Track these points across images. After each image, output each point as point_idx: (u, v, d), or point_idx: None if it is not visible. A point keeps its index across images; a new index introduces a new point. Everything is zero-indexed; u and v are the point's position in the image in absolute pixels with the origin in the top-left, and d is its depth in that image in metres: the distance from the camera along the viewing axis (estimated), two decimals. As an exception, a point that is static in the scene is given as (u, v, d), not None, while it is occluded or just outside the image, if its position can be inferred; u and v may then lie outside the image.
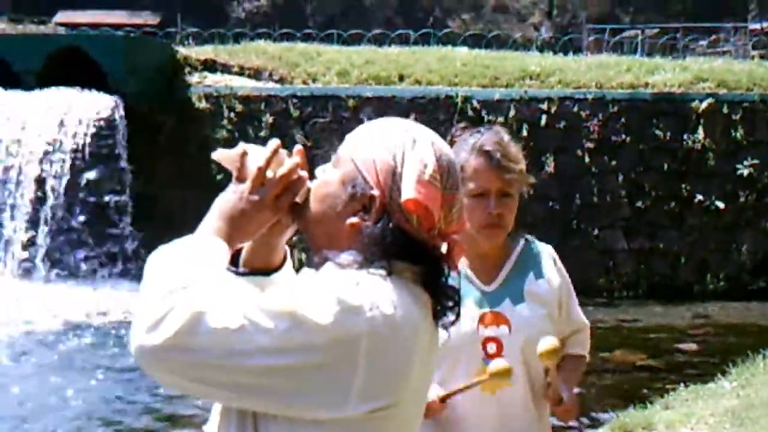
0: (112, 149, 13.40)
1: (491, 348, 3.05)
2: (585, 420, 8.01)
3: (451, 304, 2.03)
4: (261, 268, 2.16)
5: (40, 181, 13.31)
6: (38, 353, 9.92)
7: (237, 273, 2.15)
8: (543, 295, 3.16)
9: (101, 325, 11.19)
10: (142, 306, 1.82)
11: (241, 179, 2.03)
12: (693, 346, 10.63)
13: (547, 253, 3.25)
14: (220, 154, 2.09)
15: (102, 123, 13.25)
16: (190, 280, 1.83)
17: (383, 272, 1.92)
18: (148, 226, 13.22)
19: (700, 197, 13.58)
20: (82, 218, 13.46)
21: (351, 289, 1.86)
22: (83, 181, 13.44)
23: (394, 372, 1.88)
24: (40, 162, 13.28)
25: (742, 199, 13.67)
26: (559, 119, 13.62)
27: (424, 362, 1.98)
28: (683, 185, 13.63)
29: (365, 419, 1.85)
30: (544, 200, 13.53)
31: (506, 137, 3.11)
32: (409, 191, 1.93)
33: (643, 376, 9.48)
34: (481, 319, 3.07)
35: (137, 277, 13.42)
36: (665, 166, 13.63)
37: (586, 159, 13.62)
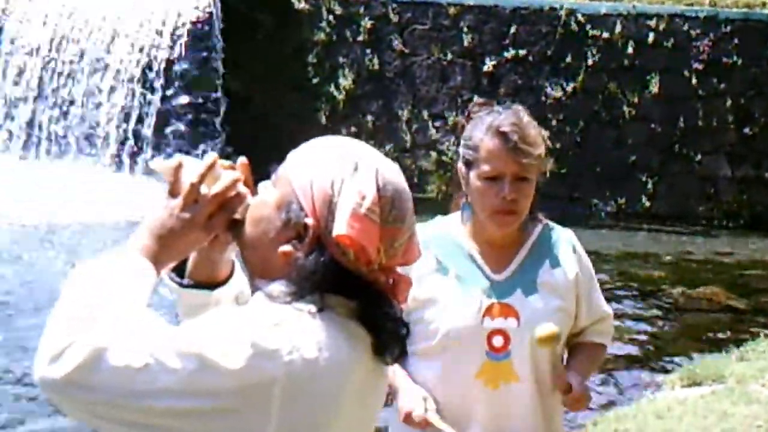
0: (208, 47, 13.38)
1: (497, 341, 2.89)
2: (654, 364, 7.82)
3: (394, 339, 1.87)
4: (205, 282, 2.03)
5: (137, 79, 13.38)
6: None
7: (181, 285, 2.04)
8: (559, 285, 2.97)
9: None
10: (47, 334, 1.71)
11: (174, 194, 1.89)
12: (787, 289, 10.23)
13: (566, 239, 3.04)
14: (157, 164, 1.94)
15: (199, 21, 13.20)
16: (99, 311, 1.72)
17: (313, 308, 1.78)
18: (241, 126, 13.25)
19: (812, 126, 12.95)
20: (176, 117, 13.54)
21: (269, 330, 1.72)
22: (178, 80, 13.48)
23: (314, 422, 1.75)
24: (137, 59, 13.33)
25: None
26: (668, 37, 13.04)
27: (358, 404, 1.84)
28: (795, 112, 13.02)
29: None
30: (645, 122, 13.11)
31: (526, 118, 2.89)
32: (341, 226, 1.76)
33: (725, 318, 9.14)
34: (488, 310, 2.90)
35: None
36: (777, 92, 13.02)
37: (693, 80, 13.05)
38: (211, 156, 1.91)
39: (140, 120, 13.51)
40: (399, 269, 1.89)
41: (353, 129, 14.09)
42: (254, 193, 1.93)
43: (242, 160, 1.96)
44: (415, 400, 2.85)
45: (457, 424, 2.89)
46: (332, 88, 14.05)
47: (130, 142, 13.57)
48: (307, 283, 1.78)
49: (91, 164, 13.39)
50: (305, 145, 1.92)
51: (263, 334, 1.71)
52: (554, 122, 13.42)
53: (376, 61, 13.96)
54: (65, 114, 13.71)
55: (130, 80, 13.41)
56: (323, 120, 13.94)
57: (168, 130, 13.74)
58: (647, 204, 13.21)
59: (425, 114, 13.83)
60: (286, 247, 1.81)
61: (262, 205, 1.88)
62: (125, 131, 13.57)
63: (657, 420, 5.90)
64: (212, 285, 2.03)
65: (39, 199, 11.67)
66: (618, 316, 9.03)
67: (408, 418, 2.84)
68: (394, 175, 1.86)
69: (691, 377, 6.85)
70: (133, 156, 13.39)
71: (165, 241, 1.86)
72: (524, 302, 2.91)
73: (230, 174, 1.92)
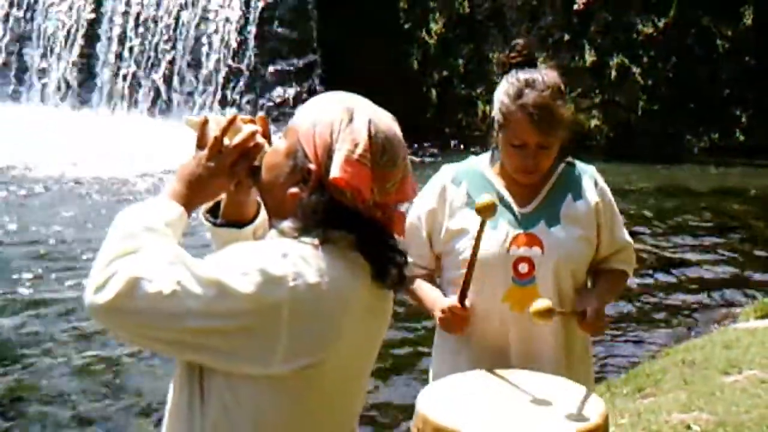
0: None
1: (522, 268, 3.14)
2: (735, 298, 7.91)
3: (392, 266, 2.14)
4: (235, 220, 2.34)
5: (235, 27, 13.83)
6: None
7: (214, 224, 2.35)
8: (580, 216, 3.20)
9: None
10: (94, 267, 2.04)
11: (201, 147, 2.19)
12: None
13: (588, 174, 3.27)
14: (188, 121, 2.25)
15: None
16: (136, 247, 2.03)
17: (316, 240, 2.06)
18: (335, 71, 13.55)
19: None
20: (272, 62, 13.95)
21: (276, 260, 2.01)
22: (273, 28, 13.86)
23: (318, 336, 2.04)
24: (237, 4, 13.74)
25: None
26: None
27: (360, 324, 2.11)
28: None
29: (292, 376, 2.03)
30: (738, 55, 12.98)
31: (552, 93, 3.08)
32: (336, 170, 2.04)
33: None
34: (514, 240, 3.15)
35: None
36: None
37: (788, 11, 12.87)
38: (232, 113, 2.20)
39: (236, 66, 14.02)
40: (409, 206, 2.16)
41: (445, 73, 14.29)
42: (271, 143, 2.22)
43: (261, 114, 2.25)
44: (449, 300, 3.13)
45: (491, 348, 3.16)
46: (423, 33, 14.23)
47: (229, 90, 14.09)
48: (311, 220, 2.07)
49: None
50: (311, 100, 2.19)
51: (271, 264, 2.00)
52: (646, 59, 13.41)
53: (466, 4, 14.09)
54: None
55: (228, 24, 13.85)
56: (415, 65, 14.17)
57: (265, 74, 14.17)
58: (741, 138, 13.12)
59: (516, 55, 13.93)
60: (293, 190, 2.09)
61: (274, 153, 2.17)
62: (224, 77, 14.08)
63: (724, 350, 6.05)
64: (241, 223, 2.33)
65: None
66: (702, 249, 9.15)
67: (447, 317, 3.11)
68: (386, 124, 2.12)
69: (765, 309, 6.94)
70: (242, 96, 13.85)
71: (195, 187, 2.17)
72: (547, 232, 3.15)
73: (249, 127, 2.21)
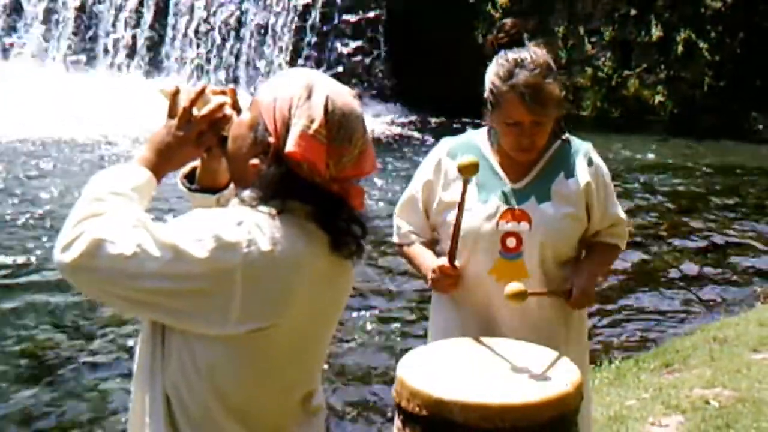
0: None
1: (510, 242, 3.22)
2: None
3: (348, 237, 2.24)
4: (209, 187, 2.46)
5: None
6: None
7: (190, 189, 2.48)
8: (570, 194, 3.26)
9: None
10: (64, 227, 2.17)
11: (171, 116, 2.31)
12: None
13: (583, 152, 3.32)
14: (161, 91, 2.37)
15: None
16: (103, 210, 2.16)
17: (274, 210, 2.17)
18: (401, 43, 13.61)
19: None
20: (340, 34, 14.08)
21: (231, 227, 2.12)
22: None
23: (271, 300, 2.15)
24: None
25: None
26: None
27: (314, 291, 2.22)
28: None
29: (245, 338, 2.15)
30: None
31: (542, 71, 3.14)
32: (291, 144, 2.14)
33: None
34: (504, 215, 3.23)
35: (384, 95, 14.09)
36: None
37: None
38: (201, 84, 2.31)
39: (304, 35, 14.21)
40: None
41: (509, 46, 14.23)
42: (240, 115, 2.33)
43: (230, 86, 2.36)
44: (440, 260, 3.21)
45: (479, 318, 3.25)
46: (489, 6, 14.22)
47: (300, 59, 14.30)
48: (269, 190, 2.18)
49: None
50: (275, 75, 2.30)
51: (226, 231, 2.11)
52: (713, 34, 13.23)
53: (532, -23, 14.04)
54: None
55: None
56: (479, 38, 14.16)
57: (332, 46, 14.31)
58: (807, 117, 12.92)
59: (581, 29, 13.85)
60: (254, 161, 2.20)
61: (239, 125, 2.28)
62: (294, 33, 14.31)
63: (757, 327, 6.05)
64: (214, 190, 2.46)
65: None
66: (755, 230, 9.07)
67: (436, 282, 3.21)
68: (344, 101, 2.21)
69: None
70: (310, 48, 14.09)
71: (163, 154, 2.30)
72: (537, 209, 3.22)
73: (218, 98, 2.33)
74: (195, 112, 2.30)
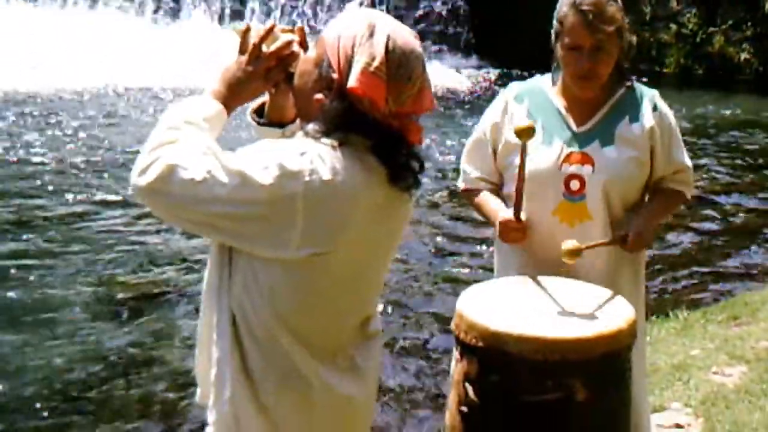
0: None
1: (574, 185, 3.30)
2: None
3: (406, 170, 2.36)
4: (277, 121, 2.59)
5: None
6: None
7: (259, 123, 2.61)
8: (634, 138, 3.32)
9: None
10: (141, 153, 2.32)
11: (242, 52, 2.44)
12: None
13: (648, 97, 3.38)
14: (233, 28, 2.50)
15: None
16: (177, 138, 2.30)
17: (335, 142, 2.30)
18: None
19: None
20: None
21: (294, 157, 2.25)
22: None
23: (330, 227, 2.28)
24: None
25: None
26: None
27: (371, 220, 2.34)
28: None
29: (304, 262, 2.28)
30: None
31: None
32: (353, 80, 2.26)
33: None
34: (567, 158, 3.30)
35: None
36: None
37: None
38: (270, 22, 2.44)
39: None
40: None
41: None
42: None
43: (299, 26, 2.48)
44: (506, 213, 3.31)
45: (541, 257, 3.34)
46: None
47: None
48: (332, 124, 2.30)
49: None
50: (341, 14, 2.41)
51: (289, 160, 2.24)
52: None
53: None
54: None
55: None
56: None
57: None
58: None
59: (667, -15, 13.69)
60: (318, 96, 2.32)
61: (305, 62, 2.40)
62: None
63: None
64: (282, 124, 2.59)
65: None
66: None
67: (505, 228, 3.29)
68: (405, 40, 2.32)
69: None
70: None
71: (233, 88, 2.43)
72: (600, 152, 3.29)
73: (286, 36, 2.45)
74: (264, 48, 2.43)
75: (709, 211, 8.48)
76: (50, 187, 8.45)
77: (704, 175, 9.63)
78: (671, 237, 7.82)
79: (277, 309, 2.32)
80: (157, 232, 7.36)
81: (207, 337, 2.43)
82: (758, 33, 13.29)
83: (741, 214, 8.50)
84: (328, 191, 2.25)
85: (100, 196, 8.27)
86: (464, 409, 2.92)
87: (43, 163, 9.23)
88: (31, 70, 12.99)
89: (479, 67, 14.16)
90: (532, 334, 2.78)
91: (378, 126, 2.31)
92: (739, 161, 10.18)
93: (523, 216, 3.28)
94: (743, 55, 13.26)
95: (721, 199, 8.94)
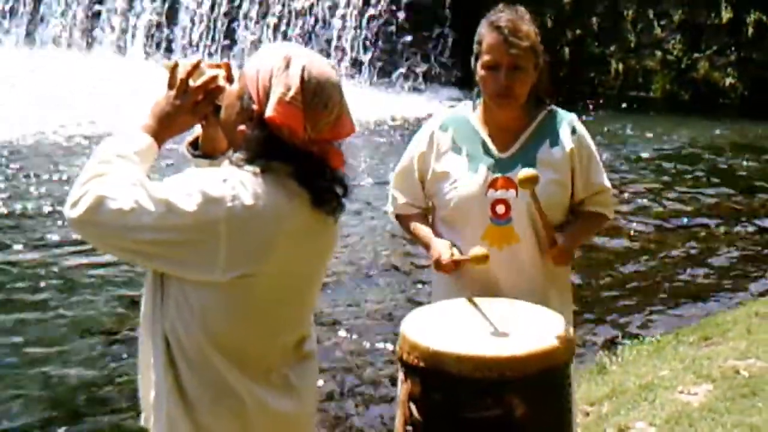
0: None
1: (500, 209, 3.42)
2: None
3: (328, 194, 2.46)
4: (210, 152, 2.70)
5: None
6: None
7: (193, 155, 2.72)
8: (555, 161, 3.44)
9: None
10: (73, 186, 2.43)
11: (170, 87, 2.55)
12: None
13: (567, 121, 3.51)
14: (163, 64, 2.61)
15: None
16: (107, 171, 2.41)
17: (257, 169, 2.40)
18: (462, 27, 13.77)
19: None
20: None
21: (217, 184, 2.36)
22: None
23: (254, 250, 2.38)
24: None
25: None
26: None
27: (294, 244, 2.44)
28: None
29: (233, 283, 2.39)
30: None
31: (522, 15, 3.38)
32: (270, 110, 2.37)
33: None
34: (492, 183, 3.42)
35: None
36: None
37: None
38: (196, 57, 2.55)
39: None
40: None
41: (578, 31, 14.29)
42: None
43: (225, 61, 2.59)
44: (441, 248, 3.43)
45: (476, 280, 3.43)
46: (556, -8, 14.26)
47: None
48: (253, 152, 2.42)
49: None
50: (259, 50, 2.52)
51: (212, 187, 2.35)
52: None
53: (602, -39, 14.03)
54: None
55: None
56: (548, 23, 14.21)
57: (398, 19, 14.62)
58: None
59: (650, 13, 13.81)
60: (242, 127, 2.44)
61: (229, 95, 2.52)
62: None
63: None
64: (215, 156, 2.69)
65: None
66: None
67: (438, 264, 3.42)
68: (320, 71, 2.43)
69: None
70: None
71: (163, 122, 2.55)
72: None
73: (212, 71, 2.56)
74: (191, 83, 2.54)
75: (691, 234, 8.57)
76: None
77: (687, 198, 9.72)
78: (651, 261, 7.90)
79: (208, 330, 2.42)
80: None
81: (146, 361, 2.52)
82: (742, 58, 13.42)
83: (723, 238, 8.58)
84: (251, 215, 2.36)
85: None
86: (409, 428, 3.00)
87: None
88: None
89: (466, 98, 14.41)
90: (471, 354, 2.87)
91: (298, 152, 2.42)
92: (723, 186, 10.26)
93: (451, 236, 3.44)
94: (728, 80, 13.38)
95: (704, 221, 9.02)
